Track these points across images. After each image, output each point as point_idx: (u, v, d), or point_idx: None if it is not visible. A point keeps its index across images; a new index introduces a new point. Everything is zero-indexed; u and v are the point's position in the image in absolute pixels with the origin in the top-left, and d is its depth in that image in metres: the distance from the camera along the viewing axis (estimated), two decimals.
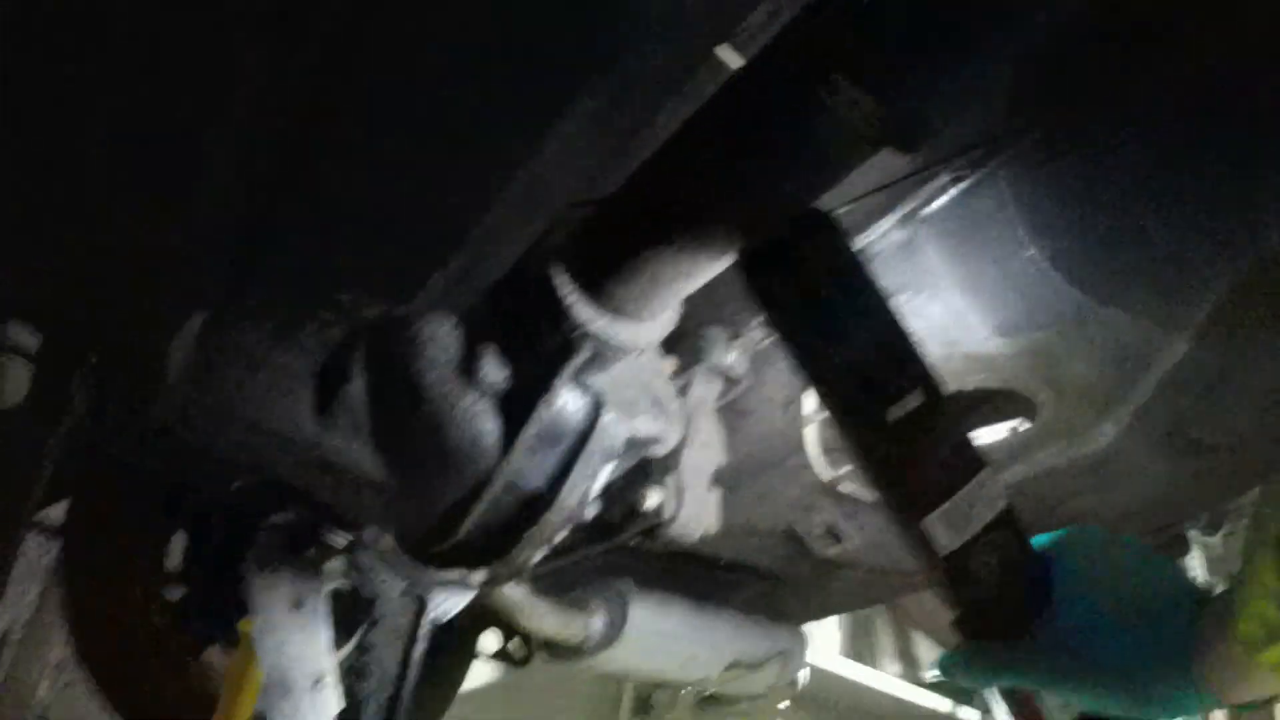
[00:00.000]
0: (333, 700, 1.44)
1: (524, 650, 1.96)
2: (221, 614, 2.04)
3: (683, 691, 3.37)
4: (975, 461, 1.00)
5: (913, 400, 0.94)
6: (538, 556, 1.12)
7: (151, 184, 0.63)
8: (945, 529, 0.98)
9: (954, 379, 1.30)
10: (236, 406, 0.96)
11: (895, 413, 0.93)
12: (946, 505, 0.97)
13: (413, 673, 1.14)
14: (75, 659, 2.16)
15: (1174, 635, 0.96)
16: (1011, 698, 1.12)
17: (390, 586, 1.12)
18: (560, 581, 1.77)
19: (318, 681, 1.45)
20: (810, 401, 1.33)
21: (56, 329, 1.09)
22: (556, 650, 1.82)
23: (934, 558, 0.99)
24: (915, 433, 0.95)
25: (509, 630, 2.00)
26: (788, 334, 0.94)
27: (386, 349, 0.97)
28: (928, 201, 1.15)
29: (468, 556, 1.13)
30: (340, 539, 1.46)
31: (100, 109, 0.57)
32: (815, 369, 0.94)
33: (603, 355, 0.96)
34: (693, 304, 1.02)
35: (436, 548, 1.11)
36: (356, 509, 1.13)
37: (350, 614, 2.00)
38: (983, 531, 0.99)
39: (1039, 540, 1.06)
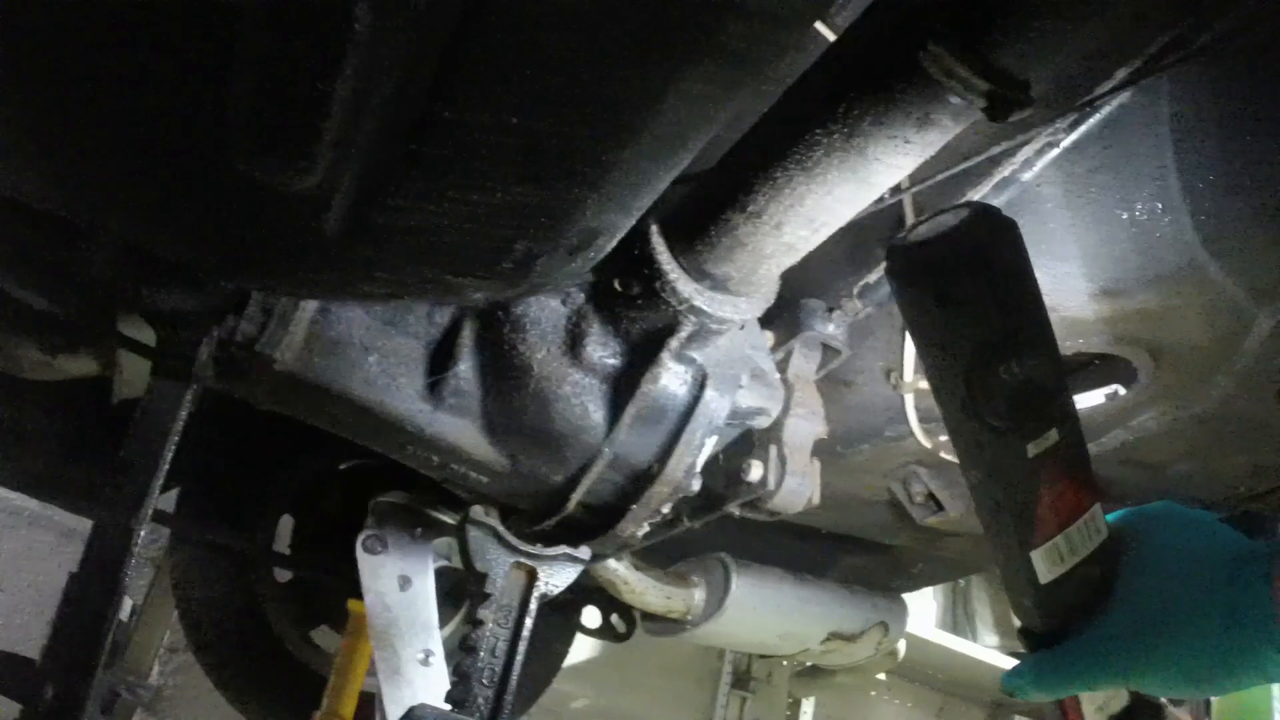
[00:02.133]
0: (442, 675, 1.48)
1: (626, 624, 1.98)
2: (330, 594, 2.10)
3: (783, 663, 3.38)
4: (1091, 495, 0.98)
5: (1050, 437, 0.92)
6: (644, 530, 1.14)
7: (274, 142, 0.62)
8: (1048, 563, 0.98)
9: None
10: (348, 389, 0.98)
11: (1034, 449, 0.91)
12: (1056, 539, 0.97)
13: (522, 647, 1.17)
14: (186, 641, 2.23)
15: (1250, 600, 0.92)
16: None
17: (500, 563, 1.15)
18: (661, 555, 1.79)
19: (427, 658, 1.48)
20: (909, 370, 1.33)
21: (176, 312, 1.11)
22: (659, 624, 1.84)
23: (1028, 585, 0.99)
24: (1045, 467, 0.93)
25: (609, 605, 2.03)
26: (930, 345, 0.92)
27: (494, 330, 0.98)
28: (1052, 145, 1.11)
29: (575, 531, 1.15)
30: (448, 517, 1.49)
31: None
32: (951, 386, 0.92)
33: (705, 330, 0.97)
34: (791, 277, 1.02)
35: (545, 524, 1.14)
36: (465, 488, 1.16)
37: (454, 591, 2.05)
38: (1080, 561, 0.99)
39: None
